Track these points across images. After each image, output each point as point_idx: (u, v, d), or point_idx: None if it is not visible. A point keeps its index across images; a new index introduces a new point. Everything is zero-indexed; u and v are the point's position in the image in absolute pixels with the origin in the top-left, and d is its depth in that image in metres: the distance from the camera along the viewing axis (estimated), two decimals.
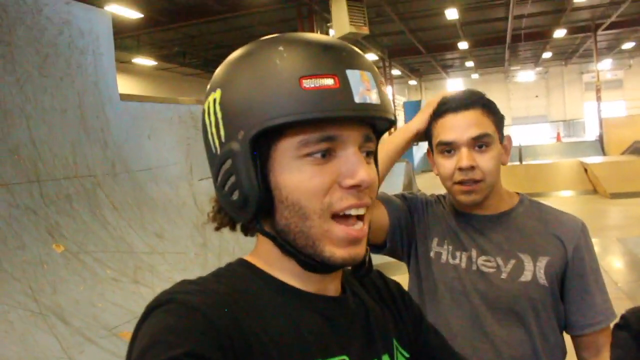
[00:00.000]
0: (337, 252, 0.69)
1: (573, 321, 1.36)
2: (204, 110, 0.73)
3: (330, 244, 0.69)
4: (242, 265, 0.75)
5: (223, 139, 0.69)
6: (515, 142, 24.67)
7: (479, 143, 1.30)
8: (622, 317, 0.79)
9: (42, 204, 3.75)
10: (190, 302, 0.62)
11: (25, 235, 3.46)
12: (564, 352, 1.38)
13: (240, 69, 0.69)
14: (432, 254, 1.42)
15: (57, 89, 4.23)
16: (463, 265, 1.37)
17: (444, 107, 1.35)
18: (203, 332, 0.59)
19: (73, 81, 4.43)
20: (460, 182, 1.32)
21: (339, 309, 0.76)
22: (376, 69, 0.73)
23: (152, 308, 0.63)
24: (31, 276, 3.27)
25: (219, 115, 0.69)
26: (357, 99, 0.66)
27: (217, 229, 0.79)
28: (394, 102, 23.96)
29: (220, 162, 0.70)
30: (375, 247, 1.45)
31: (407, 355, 0.84)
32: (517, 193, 1.47)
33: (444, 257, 1.40)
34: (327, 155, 0.68)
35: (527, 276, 1.32)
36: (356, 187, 0.68)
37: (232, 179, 0.69)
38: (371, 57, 23.77)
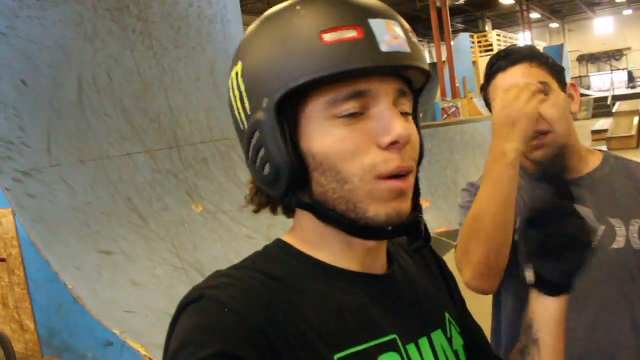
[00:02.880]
0: (381, 210, 0.64)
1: None
2: (228, 88, 0.70)
3: (375, 202, 0.64)
4: (279, 248, 0.72)
5: (248, 111, 0.66)
6: None
7: None
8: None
9: (181, 168, 4.07)
10: (220, 298, 0.61)
11: (168, 197, 3.79)
12: None
13: (258, 37, 0.66)
14: (515, 236, 1.25)
15: (190, 59, 4.50)
16: None
17: (493, 69, 1.27)
18: (233, 329, 0.58)
19: (204, 49, 4.68)
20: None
21: (385, 286, 0.72)
22: (403, 20, 0.67)
23: (184, 305, 0.62)
24: (174, 235, 3.59)
25: (242, 87, 0.66)
26: (384, 48, 0.62)
27: (256, 211, 0.74)
28: None
29: (249, 137, 0.66)
30: None
31: (459, 330, 0.79)
32: (600, 150, 1.33)
33: None
34: (358, 113, 0.64)
35: (619, 242, 1.21)
36: (394, 144, 0.63)
37: (262, 151, 0.65)
38: (506, 1, 22.35)
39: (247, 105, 0.66)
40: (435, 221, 6.50)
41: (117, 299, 2.92)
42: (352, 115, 0.64)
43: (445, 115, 13.92)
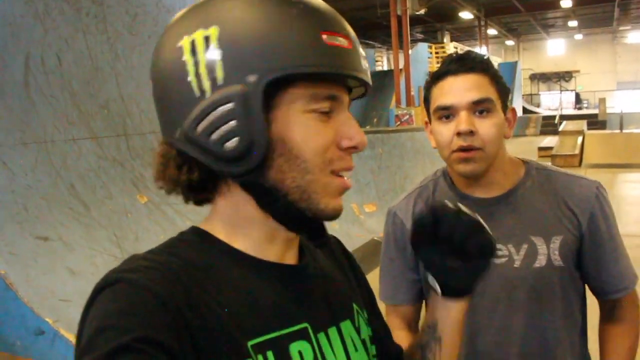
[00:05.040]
0: (331, 203, 0.70)
1: (595, 287, 1.30)
2: (179, 48, 0.66)
3: (328, 195, 0.70)
4: (196, 234, 0.72)
5: (220, 81, 0.64)
6: (617, 109, 22.92)
7: (480, 108, 1.20)
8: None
9: (128, 157, 3.99)
10: (139, 281, 0.59)
11: (112, 186, 3.71)
12: (584, 315, 1.32)
13: (249, 10, 0.65)
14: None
15: (145, 47, 4.41)
16: None
17: (444, 69, 1.24)
18: (153, 314, 0.57)
19: None
20: (459, 150, 1.21)
21: (298, 277, 0.75)
22: None
23: (100, 289, 0.60)
24: (116, 224, 3.52)
25: (217, 54, 0.64)
26: (362, 64, 0.70)
27: (169, 193, 0.71)
28: None
29: (212, 107, 0.64)
30: None
31: (367, 317, 0.84)
32: (523, 160, 1.34)
33: None
34: (330, 113, 0.69)
35: (541, 261, 1.23)
36: (353, 149, 0.71)
37: (231, 124, 0.64)
38: (466, 15, 22.84)
39: (219, 74, 0.64)
40: (380, 225, 6.58)
41: (52, 287, 2.84)
42: (325, 114, 0.69)
43: (398, 122, 14.11)
